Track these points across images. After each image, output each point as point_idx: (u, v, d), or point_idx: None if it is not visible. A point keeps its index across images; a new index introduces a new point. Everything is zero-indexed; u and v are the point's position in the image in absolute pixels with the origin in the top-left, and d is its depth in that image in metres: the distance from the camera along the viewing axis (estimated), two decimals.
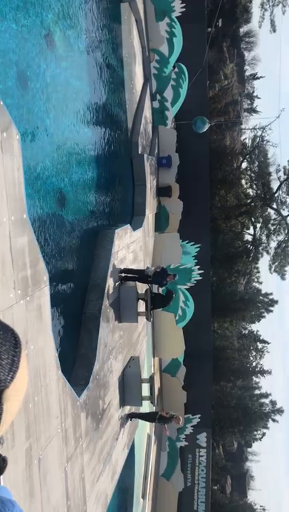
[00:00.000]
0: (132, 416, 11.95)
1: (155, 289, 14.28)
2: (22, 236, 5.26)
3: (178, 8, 20.36)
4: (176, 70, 21.72)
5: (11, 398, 0.88)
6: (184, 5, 20.37)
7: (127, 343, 12.15)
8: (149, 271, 12.14)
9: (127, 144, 16.24)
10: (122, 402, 11.23)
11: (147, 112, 19.57)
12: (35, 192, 7.71)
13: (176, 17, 20.41)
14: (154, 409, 14.41)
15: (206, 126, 22.84)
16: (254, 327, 47.28)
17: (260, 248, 34.97)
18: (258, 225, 34.65)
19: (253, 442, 52.85)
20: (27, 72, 7.73)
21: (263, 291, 42.08)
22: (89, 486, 8.14)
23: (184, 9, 20.45)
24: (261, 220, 34.00)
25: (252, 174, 34.60)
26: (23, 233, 5.28)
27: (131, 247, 13.28)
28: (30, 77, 7.85)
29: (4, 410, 0.87)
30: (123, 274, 11.63)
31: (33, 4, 8.07)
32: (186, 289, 22.41)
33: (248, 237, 36.35)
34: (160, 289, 14.69)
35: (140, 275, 12.01)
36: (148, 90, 19.81)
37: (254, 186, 34.34)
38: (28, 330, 5.42)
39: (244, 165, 35.25)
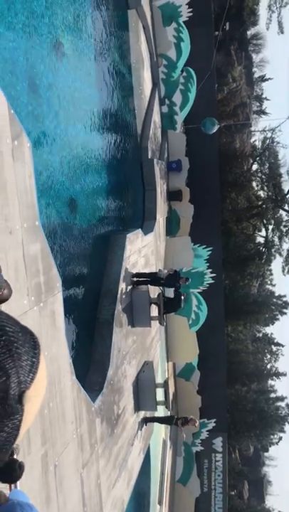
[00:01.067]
0: (147, 420, 11.93)
1: (168, 293, 14.26)
2: (35, 243, 5.30)
3: (185, 12, 20.42)
4: (185, 74, 21.74)
5: (32, 399, 0.89)
6: (190, 9, 20.42)
7: (141, 347, 12.14)
8: (161, 273, 12.12)
9: (137, 149, 16.29)
10: (137, 407, 11.21)
11: (156, 117, 19.62)
12: (46, 199, 7.76)
13: (184, 22, 20.47)
14: (168, 414, 14.37)
15: (216, 127, 22.80)
16: (268, 330, 46.88)
17: (273, 250, 34.70)
18: (270, 227, 34.41)
19: (270, 446, 52.24)
20: (37, 80, 7.81)
21: (277, 294, 41.74)
22: (105, 492, 8.12)
23: (191, 14, 20.50)
24: (273, 221, 33.76)
25: (263, 176, 34.40)
26: (35, 240, 5.32)
27: (142, 252, 13.29)
28: (40, 85, 7.93)
29: (25, 411, 0.88)
30: (135, 279, 11.63)
31: (41, 13, 8.16)
32: (198, 292, 22.32)
33: (260, 240, 36.13)
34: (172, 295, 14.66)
35: (152, 278, 11.99)
36: (156, 95, 19.87)
37: (265, 188, 34.13)
38: (41, 336, 5.45)
39: (254, 167, 35.10)
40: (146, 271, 13.08)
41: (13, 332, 0.88)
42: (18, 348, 0.87)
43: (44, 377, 0.94)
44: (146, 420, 11.81)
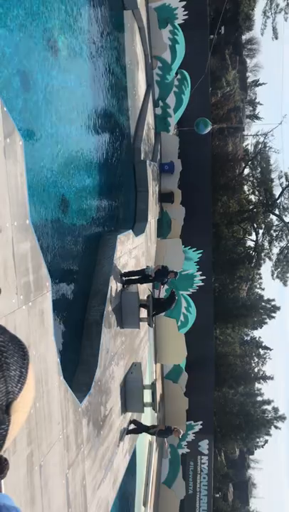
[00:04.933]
0: (129, 432, 11.75)
1: (161, 294, 14.30)
2: (25, 241, 5.28)
3: (180, 15, 20.49)
4: (179, 76, 21.82)
5: (19, 410, 0.88)
6: (186, 12, 20.50)
7: (129, 349, 12.13)
8: (149, 270, 12.10)
9: (130, 150, 16.29)
10: (124, 409, 11.19)
11: (150, 119, 19.64)
12: (38, 198, 7.73)
13: (179, 24, 20.54)
14: (155, 415, 14.35)
15: (209, 128, 22.88)
16: (256, 333, 47.15)
17: (263, 254, 34.90)
18: (260, 231, 34.61)
19: (255, 449, 52.49)
20: (30, 79, 7.78)
21: (266, 297, 41.97)
22: (90, 493, 8.09)
23: (187, 17, 20.58)
24: (263, 226, 33.97)
25: (254, 180, 34.60)
26: (25, 239, 5.29)
27: (133, 253, 13.29)
28: (34, 84, 7.90)
29: (12, 421, 0.87)
30: (124, 278, 11.61)
31: (37, 12, 8.14)
32: (188, 295, 22.38)
33: (251, 243, 36.33)
34: (162, 295, 14.67)
35: (141, 275, 11.98)
36: (150, 97, 19.91)
37: (256, 192, 34.33)
38: (30, 335, 5.42)
39: (246, 171, 35.28)
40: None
41: (2, 342, 0.87)
42: (7, 358, 0.86)
43: (32, 388, 0.93)
44: (128, 432, 11.62)
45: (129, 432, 11.54)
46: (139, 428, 12.15)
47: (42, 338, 5.81)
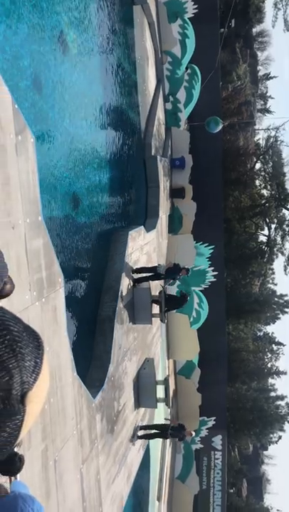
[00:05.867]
0: (141, 437, 11.41)
1: (171, 290, 14.27)
2: (37, 238, 5.30)
3: (190, 9, 20.34)
4: (189, 71, 21.69)
5: (34, 400, 0.87)
6: (196, 6, 20.35)
7: (142, 344, 12.15)
8: (160, 268, 12.10)
9: (140, 146, 16.26)
10: (137, 404, 11.22)
11: (160, 114, 19.57)
12: (49, 194, 7.76)
13: (189, 18, 20.40)
14: (168, 411, 14.32)
15: (220, 127, 22.72)
16: (269, 329, 46.92)
17: (275, 249, 34.65)
18: (273, 226, 34.36)
19: (269, 445, 52.32)
20: (41, 75, 7.79)
21: (278, 293, 41.75)
22: (104, 488, 8.14)
23: (197, 10, 20.42)
24: (276, 220, 33.71)
25: (266, 175, 34.33)
26: (38, 235, 5.31)
27: (144, 249, 13.28)
28: (44, 80, 7.91)
29: (27, 412, 0.86)
30: (135, 275, 11.61)
31: (46, 8, 8.14)
32: (200, 290, 22.31)
33: (263, 238, 36.09)
34: (174, 291, 14.67)
35: (153, 272, 11.98)
36: (161, 92, 19.82)
37: (268, 187, 34.06)
38: (43, 331, 5.45)
39: (258, 165, 35.01)
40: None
41: (17, 331, 0.87)
42: (21, 348, 0.85)
43: (47, 379, 0.92)
44: (140, 437, 11.29)
45: (140, 437, 11.31)
46: (151, 435, 11.93)
47: (55, 334, 5.84)
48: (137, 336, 11.52)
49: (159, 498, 16.74)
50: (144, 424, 11.87)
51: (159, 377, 13.70)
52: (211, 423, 24.57)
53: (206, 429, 24.45)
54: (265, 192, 34.52)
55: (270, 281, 41.89)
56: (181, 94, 21.45)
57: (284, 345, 46.79)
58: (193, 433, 12.25)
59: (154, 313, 12.12)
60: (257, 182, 34.62)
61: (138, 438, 11.07)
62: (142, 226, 13.52)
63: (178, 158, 22.61)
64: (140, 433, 11.28)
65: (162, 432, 12.10)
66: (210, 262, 22.81)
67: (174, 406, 20.90)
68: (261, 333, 46.88)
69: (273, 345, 46.58)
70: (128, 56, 14.65)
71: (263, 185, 34.48)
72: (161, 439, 15.25)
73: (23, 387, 0.85)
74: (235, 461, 45.34)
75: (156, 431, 12.00)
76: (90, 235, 9.80)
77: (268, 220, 34.02)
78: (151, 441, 13.10)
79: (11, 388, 0.82)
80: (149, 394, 11.52)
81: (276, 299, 41.06)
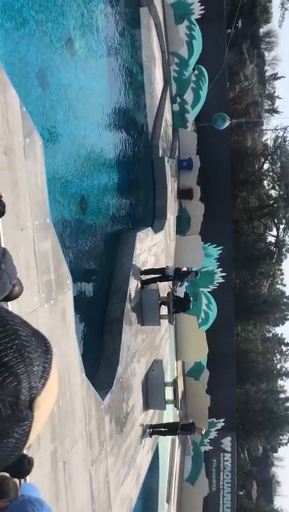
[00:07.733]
0: (152, 433, 11.66)
1: (178, 292, 14.24)
2: (45, 240, 5.32)
3: (197, 10, 20.32)
4: (196, 72, 21.64)
5: (42, 406, 0.86)
6: (202, 7, 20.32)
7: (150, 346, 12.13)
8: (169, 270, 12.08)
9: (148, 147, 16.26)
10: (146, 406, 11.20)
11: (167, 115, 19.57)
12: (58, 196, 7.79)
13: (196, 19, 20.37)
14: (177, 413, 14.30)
15: (227, 123, 22.65)
16: (278, 330, 46.61)
17: (284, 250, 34.47)
18: (281, 227, 34.17)
19: (279, 447, 51.92)
20: (49, 78, 7.83)
21: (287, 294, 41.44)
22: (114, 490, 8.14)
23: (203, 11, 20.39)
24: (284, 221, 33.53)
25: (274, 175, 34.17)
26: (46, 237, 5.33)
27: (152, 250, 13.27)
28: (52, 83, 7.95)
29: (35, 418, 0.85)
30: (143, 276, 11.60)
31: (53, 10, 8.18)
32: (208, 291, 22.24)
33: (271, 239, 35.91)
34: (182, 293, 14.62)
35: (161, 274, 11.97)
36: (168, 93, 19.81)
37: (277, 187, 33.90)
38: (52, 333, 5.47)
39: (266, 166, 34.85)
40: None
41: (26, 336, 0.86)
42: (30, 353, 0.84)
43: (55, 384, 0.90)
44: (151, 434, 11.52)
45: (152, 432, 11.47)
46: (162, 432, 12.05)
47: (64, 335, 5.85)
48: (145, 337, 11.51)
49: (168, 500, 16.70)
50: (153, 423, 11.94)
51: (168, 378, 13.67)
52: (220, 425, 24.47)
53: (215, 430, 24.35)
54: (273, 192, 34.36)
55: (279, 282, 41.63)
56: (189, 96, 21.42)
57: None
58: (204, 430, 12.25)
59: (162, 314, 12.10)
60: (265, 182, 34.47)
61: (150, 434, 11.20)
62: (150, 227, 13.51)
63: (185, 160, 22.58)
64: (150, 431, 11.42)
65: (172, 430, 12.25)
66: (218, 263, 22.74)
67: (183, 408, 20.84)
68: (270, 335, 46.58)
69: (282, 347, 46.26)
70: (135, 57, 14.68)
71: (271, 185, 34.32)
72: (170, 441, 15.24)
73: (32, 392, 0.83)
74: (244, 463, 45.08)
75: (165, 429, 12.13)
76: (97, 237, 9.82)
77: (276, 220, 33.85)
78: (160, 443, 13.10)
79: (19, 394, 0.81)
80: (158, 395, 11.50)
81: (285, 299, 40.77)
